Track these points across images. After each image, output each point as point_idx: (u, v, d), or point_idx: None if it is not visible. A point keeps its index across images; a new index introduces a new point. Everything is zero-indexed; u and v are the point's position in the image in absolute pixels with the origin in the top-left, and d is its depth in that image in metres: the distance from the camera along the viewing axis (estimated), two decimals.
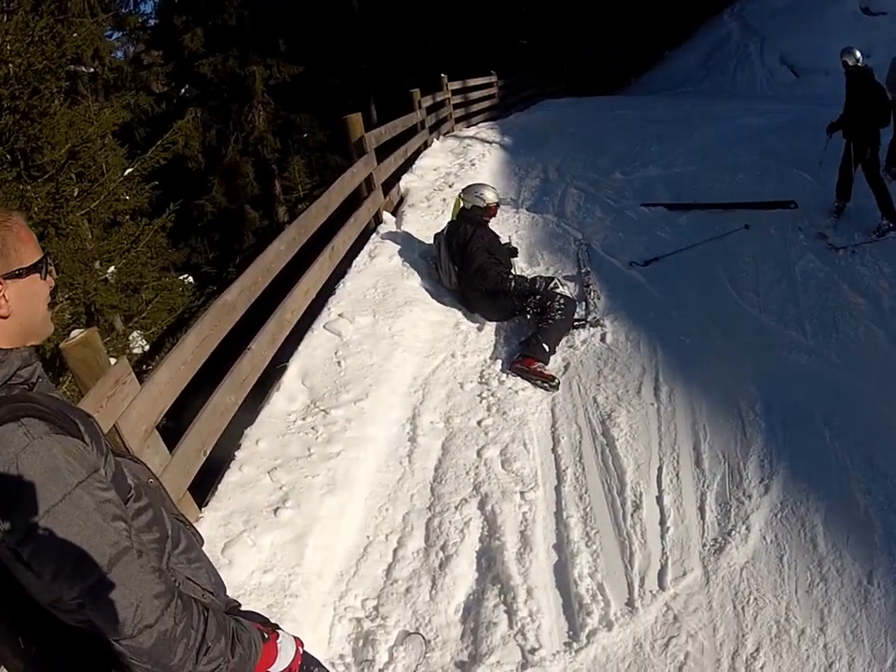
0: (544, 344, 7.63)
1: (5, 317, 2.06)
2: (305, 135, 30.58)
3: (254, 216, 29.11)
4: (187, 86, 30.20)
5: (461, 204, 9.06)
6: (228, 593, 2.73)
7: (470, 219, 8.89)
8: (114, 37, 28.64)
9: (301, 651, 2.66)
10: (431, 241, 9.57)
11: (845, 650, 4.28)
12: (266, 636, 2.51)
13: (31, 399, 2.02)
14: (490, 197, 9.08)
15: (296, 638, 2.66)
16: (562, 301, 8.10)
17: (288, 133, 30.02)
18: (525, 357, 7.52)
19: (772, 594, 4.69)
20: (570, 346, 8.00)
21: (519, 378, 7.37)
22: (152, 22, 31.14)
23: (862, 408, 6.47)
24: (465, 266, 8.66)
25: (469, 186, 9.39)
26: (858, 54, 10.63)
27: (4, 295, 2.04)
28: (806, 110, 15.67)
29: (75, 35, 17.02)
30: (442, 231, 9.12)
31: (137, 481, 2.33)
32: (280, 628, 2.66)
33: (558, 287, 8.42)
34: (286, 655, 2.56)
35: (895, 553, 4.92)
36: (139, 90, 26.11)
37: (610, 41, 34.09)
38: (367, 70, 31.97)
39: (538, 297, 8.22)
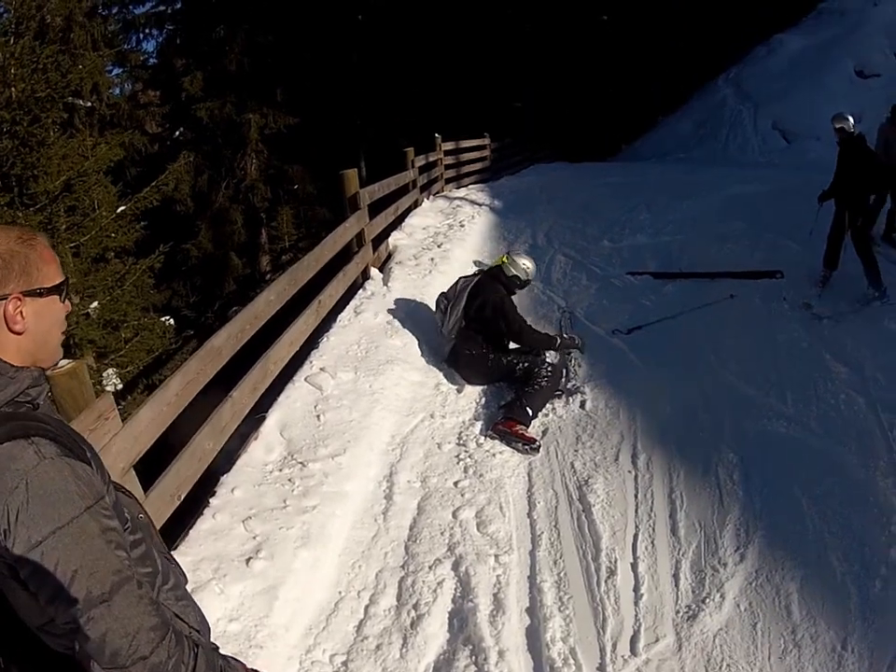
0: (528, 408, 7.64)
1: (20, 333, 2.09)
2: (296, 186, 30.69)
3: (237, 263, 29.13)
4: (182, 128, 30.37)
5: (503, 264, 9.11)
6: None
7: (505, 284, 8.97)
8: (114, 73, 28.86)
9: None
10: (416, 299, 9.66)
11: None
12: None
13: (39, 418, 2.05)
14: (532, 273, 9.28)
15: None
16: (549, 369, 8.14)
17: (279, 183, 30.16)
18: (507, 420, 7.52)
19: (745, 660, 4.68)
20: (549, 412, 8.02)
21: (497, 441, 7.38)
22: (152, 61, 31.46)
23: (841, 476, 6.51)
24: (479, 322, 8.71)
25: (518, 252, 9.60)
26: (851, 120, 10.68)
27: (22, 311, 2.07)
28: (797, 177, 15.78)
29: (80, 66, 17.21)
30: (469, 278, 9.09)
31: (130, 514, 2.35)
32: None
33: (547, 356, 8.48)
34: None
35: (870, 619, 4.96)
36: (134, 128, 26.35)
37: (604, 106, 34.37)
38: (360, 125, 32.23)
39: (525, 364, 8.24)
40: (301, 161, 29.66)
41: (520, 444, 7.30)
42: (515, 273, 9.04)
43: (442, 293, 9.09)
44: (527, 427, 7.57)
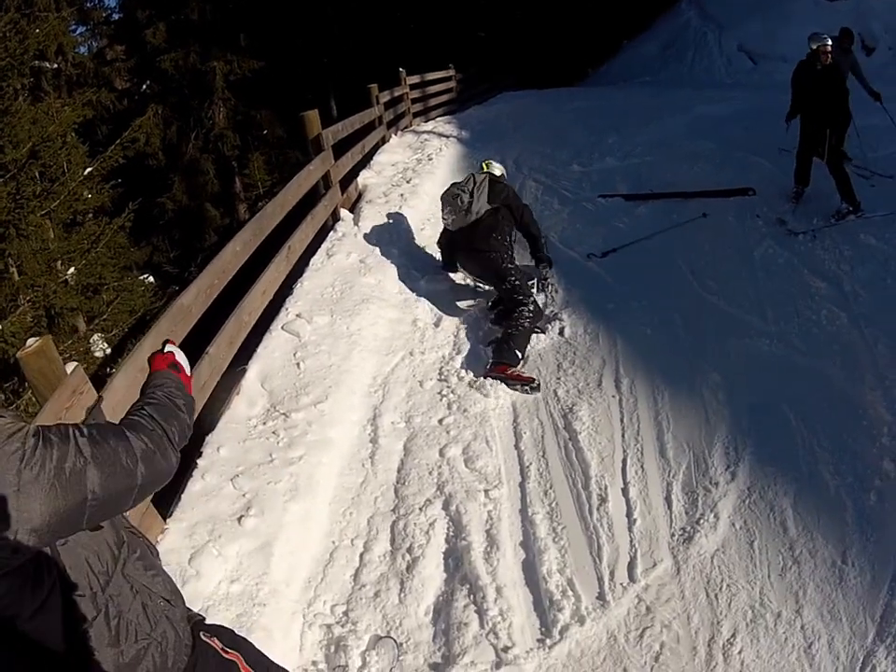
0: (516, 351, 7.59)
1: None
2: (265, 131, 30.48)
3: (214, 214, 28.97)
4: (148, 82, 30.02)
5: (489, 170, 9.24)
6: (197, 604, 2.73)
7: (501, 183, 8.97)
8: (78, 32, 28.58)
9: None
10: (388, 237, 9.69)
11: (823, 629, 4.32)
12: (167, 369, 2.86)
13: None
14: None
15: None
16: (532, 309, 8.06)
17: (248, 130, 29.92)
18: (498, 365, 7.47)
19: (745, 579, 4.71)
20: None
21: (481, 377, 7.33)
22: (116, 17, 31.03)
23: (827, 390, 6.53)
24: (503, 209, 8.71)
25: (488, 161, 9.61)
26: (829, 42, 10.56)
27: None
28: (765, 97, 15.69)
29: (37, 31, 16.94)
30: (474, 175, 8.98)
31: None
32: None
33: (533, 292, 8.46)
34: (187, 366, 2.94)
35: (868, 532, 4.98)
36: (101, 86, 26.17)
37: (569, 32, 34.09)
38: (327, 64, 31.94)
39: (516, 294, 8.15)
40: (269, 105, 29.40)
41: (518, 385, 7.26)
42: (500, 172, 9.31)
43: (454, 184, 8.95)
44: (517, 367, 7.54)
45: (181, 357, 2.98)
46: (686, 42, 29.89)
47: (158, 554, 2.71)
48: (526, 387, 7.20)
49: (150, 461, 2.24)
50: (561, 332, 8.04)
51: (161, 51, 28.21)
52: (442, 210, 8.84)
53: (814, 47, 10.64)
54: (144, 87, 30.24)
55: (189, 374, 2.95)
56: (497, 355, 7.59)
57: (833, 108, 10.50)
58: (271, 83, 29.20)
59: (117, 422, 2.42)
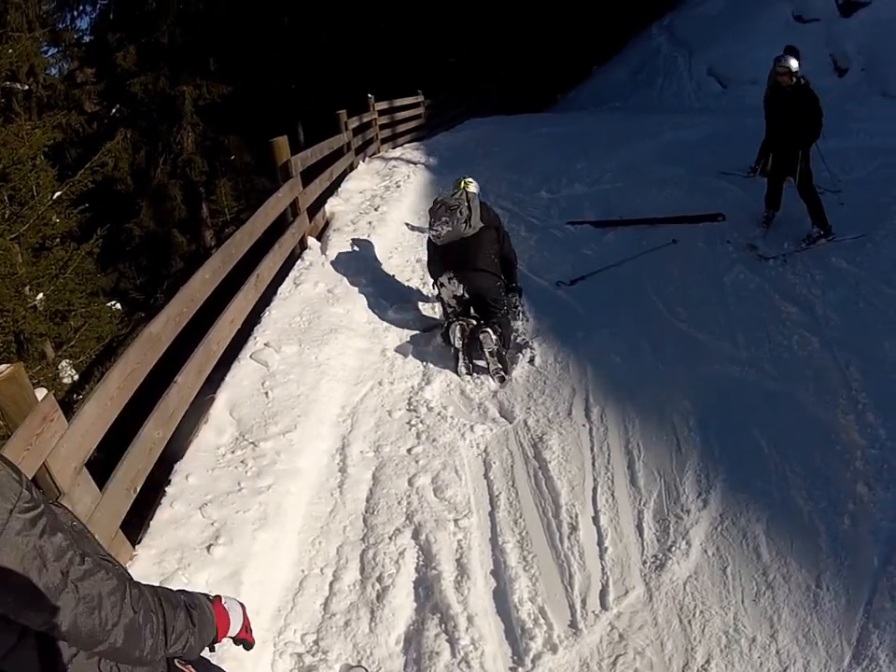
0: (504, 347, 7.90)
1: None
2: (233, 157, 30.37)
3: (181, 240, 28.79)
4: (118, 105, 29.92)
5: (468, 188, 8.98)
6: None
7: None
8: (49, 54, 28.31)
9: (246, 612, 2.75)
10: (356, 266, 9.71)
11: (798, 653, 4.36)
12: (211, 597, 2.63)
13: None
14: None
15: (239, 603, 2.76)
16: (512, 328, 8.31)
17: (216, 156, 29.75)
18: (496, 331, 7.84)
19: (718, 605, 4.75)
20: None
21: (449, 405, 7.40)
22: (87, 39, 30.90)
23: (799, 415, 6.60)
24: (493, 230, 8.66)
25: (467, 179, 9.32)
26: (795, 64, 10.61)
27: None
28: (733, 121, 15.83)
29: (10, 51, 16.93)
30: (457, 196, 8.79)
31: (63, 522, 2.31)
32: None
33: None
34: (236, 616, 2.68)
35: (842, 556, 5.04)
36: (71, 109, 26.05)
37: (538, 58, 34.25)
38: (295, 90, 31.94)
39: (505, 307, 8.36)
40: (237, 130, 29.28)
41: (499, 366, 7.59)
42: (476, 191, 9.06)
43: (446, 196, 8.76)
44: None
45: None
46: (656, 67, 29.99)
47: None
48: (502, 371, 7.64)
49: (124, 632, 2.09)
50: (531, 361, 8.07)
51: (130, 75, 28.00)
52: (435, 221, 8.59)
53: (775, 69, 10.76)
54: (113, 110, 30.09)
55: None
56: (500, 338, 7.86)
57: (802, 130, 10.58)
58: (239, 108, 29.10)
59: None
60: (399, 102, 23.39)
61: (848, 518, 5.37)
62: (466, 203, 8.46)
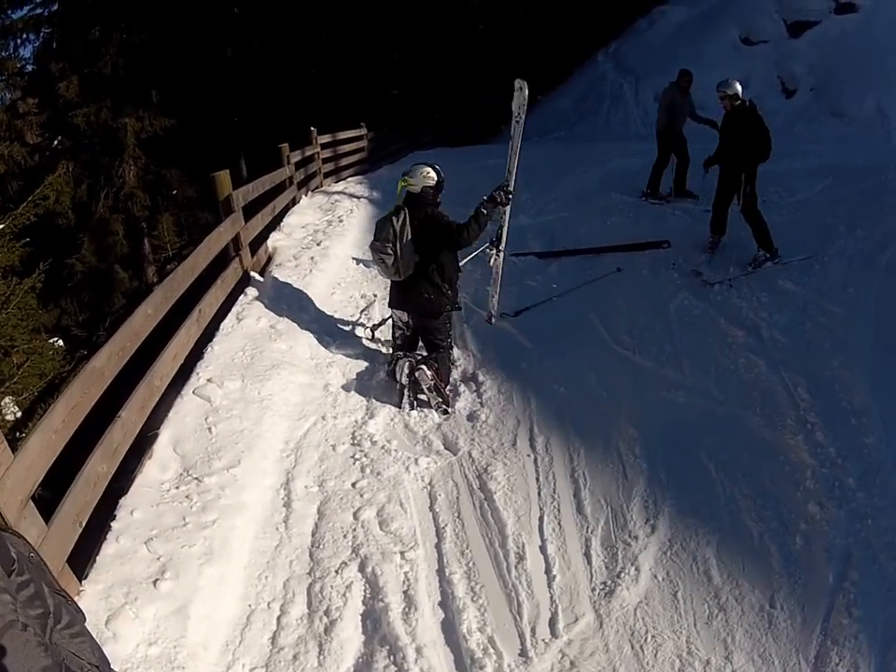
0: (442, 380, 7.87)
1: None
2: (175, 192, 30.09)
3: (124, 276, 28.41)
4: (60, 137, 29.68)
5: (409, 188, 8.44)
6: (116, 666, 2.71)
7: (426, 202, 8.41)
8: None
9: None
10: (298, 301, 9.65)
11: None
12: None
13: None
14: (435, 173, 8.54)
15: None
16: (450, 354, 8.36)
17: (158, 190, 29.32)
18: (437, 369, 7.81)
19: (670, 629, 4.81)
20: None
21: (392, 438, 7.41)
22: (30, 68, 30.69)
23: (747, 438, 6.73)
24: (430, 246, 8.30)
25: (411, 168, 8.62)
26: (739, 87, 10.78)
27: None
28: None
29: None
30: (393, 218, 8.37)
31: (18, 554, 2.31)
32: None
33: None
34: None
35: (796, 576, 5.16)
36: (13, 140, 25.82)
37: (482, 88, 34.40)
38: (238, 123, 31.89)
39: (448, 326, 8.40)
40: (180, 164, 28.99)
41: (440, 401, 7.60)
42: (424, 185, 8.41)
43: (381, 236, 8.39)
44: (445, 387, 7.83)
45: None
46: (602, 95, 30.09)
47: (84, 619, 2.65)
48: (443, 406, 7.61)
49: None
50: (475, 393, 8.10)
51: (73, 106, 27.66)
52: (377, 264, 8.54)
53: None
54: (55, 142, 29.89)
55: None
56: (430, 366, 7.84)
57: (745, 154, 10.72)
58: (182, 142, 28.91)
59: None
60: (342, 135, 23.30)
61: (801, 538, 5.50)
62: (392, 245, 8.32)
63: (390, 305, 8.69)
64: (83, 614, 2.65)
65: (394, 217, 8.33)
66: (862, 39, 24.59)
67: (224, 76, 31.07)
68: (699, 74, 24.94)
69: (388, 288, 8.77)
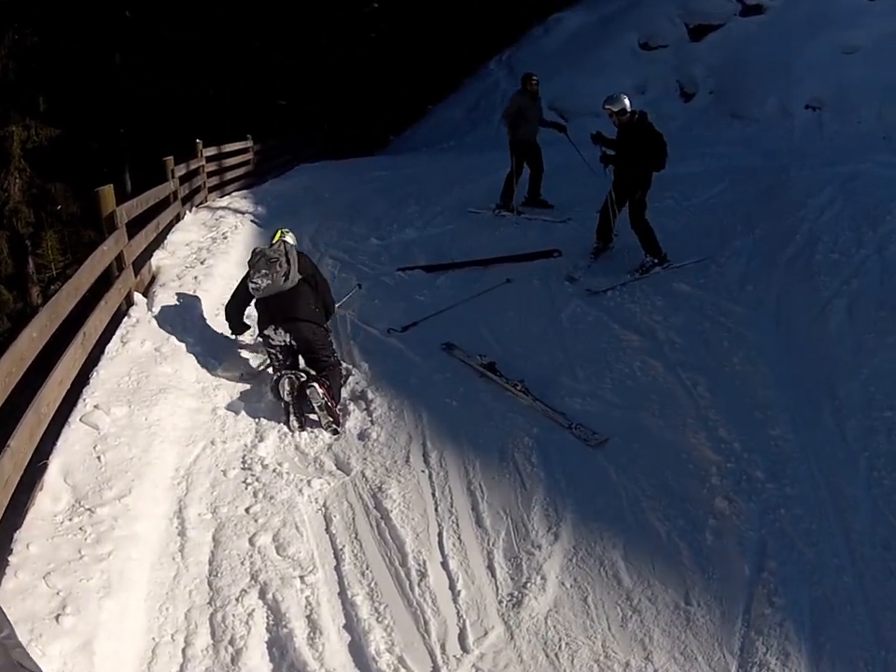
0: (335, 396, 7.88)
1: None
2: (59, 207, 29.42)
3: (8, 297, 27.71)
4: None
5: (285, 238, 9.11)
6: None
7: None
8: None
9: None
10: (183, 323, 9.55)
11: (678, 671, 4.50)
12: None
13: None
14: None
15: None
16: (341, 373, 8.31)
17: (43, 205, 28.57)
18: (329, 387, 7.76)
19: (584, 635, 4.85)
20: None
21: (284, 461, 7.35)
22: None
23: (647, 440, 6.85)
24: (313, 282, 8.76)
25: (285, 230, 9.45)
26: (626, 101, 10.92)
27: None
28: (569, 154, 16.04)
29: None
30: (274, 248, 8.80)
31: None
32: None
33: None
34: None
35: (709, 571, 5.27)
36: None
37: (370, 98, 34.42)
38: (124, 134, 31.50)
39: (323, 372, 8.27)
40: (64, 178, 28.40)
41: (330, 420, 7.57)
42: (294, 243, 9.15)
43: (265, 248, 8.79)
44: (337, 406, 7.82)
45: None
46: (493, 103, 29.92)
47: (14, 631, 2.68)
48: (333, 425, 7.61)
49: None
50: (365, 411, 8.05)
51: None
52: (255, 272, 8.60)
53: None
54: None
55: None
56: (322, 378, 7.86)
57: (637, 165, 10.84)
58: (67, 154, 28.34)
59: None
60: (227, 147, 22.98)
61: (710, 533, 5.63)
62: (285, 257, 8.54)
63: (262, 328, 8.69)
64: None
65: (284, 242, 8.90)
66: (767, 40, 25.23)
67: (111, 83, 30.64)
68: (595, 81, 25.32)
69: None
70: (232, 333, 9.51)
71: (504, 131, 15.80)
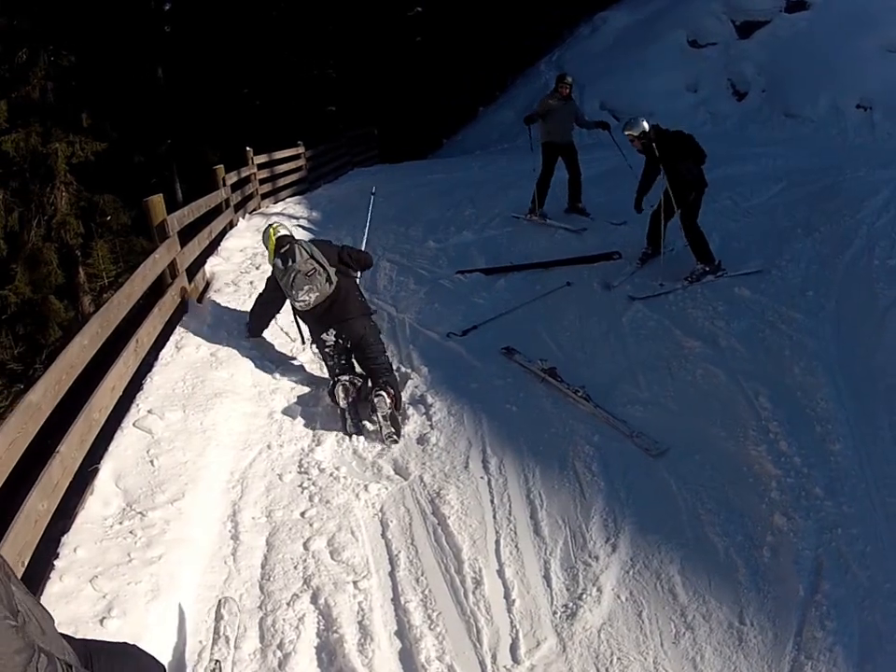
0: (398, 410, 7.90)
1: None
2: (109, 218, 29.73)
3: (59, 307, 27.94)
4: None
5: (284, 231, 9.15)
6: None
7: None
8: None
9: None
10: (239, 328, 9.62)
11: None
12: None
13: None
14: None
15: None
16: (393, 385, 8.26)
17: (92, 217, 28.87)
18: (397, 397, 7.89)
19: (636, 650, 4.79)
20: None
21: (341, 465, 7.35)
22: None
23: (708, 450, 6.76)
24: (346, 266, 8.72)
25: (274, 226, 9.38)
26: (643, 124, 11.02)
27: None
28: (628, 156, 15.99)
29: None
30: (294, 246, 8.74)
31: None
32: None
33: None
34: None
35: (764, 590, 5.17)
36: None
37: (421, 102, 34.45)
38: (171, 145, 31.74)
39: (380, 376, 8.27)
40: (113, 190, 28.68)
41: (392, 430, 7.55)
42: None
43: (289, 263, 8.60)
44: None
45: None
46: None
47: (54, 621, 2.70)
48: (394, 434, 7.54)
49: None
50: (424, 415, 8.03)
51: (2, 132, 27.36)
52: (297, 292, 8.46)
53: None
54: None
55: None
56: (387, 386, 7.86)
57: (678, 176, 10.85)
58: (114, 166, 28.59)
59: None
60: (278, 154, 23.15)
61: (768, 550, 5.52)
62: (316, 262, 8.46)
63: (317, 335, 8.70)
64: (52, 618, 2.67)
65: (293, 245, 8.80)
66: (814, 37, 24.91)
67: (156, 97, 30.89)
68: (646, 80, 25.15)
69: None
70: (250, 336, 9.61)
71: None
